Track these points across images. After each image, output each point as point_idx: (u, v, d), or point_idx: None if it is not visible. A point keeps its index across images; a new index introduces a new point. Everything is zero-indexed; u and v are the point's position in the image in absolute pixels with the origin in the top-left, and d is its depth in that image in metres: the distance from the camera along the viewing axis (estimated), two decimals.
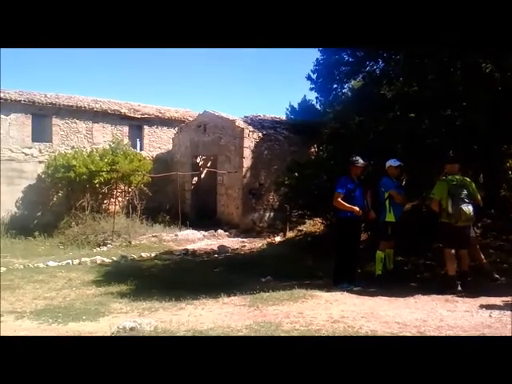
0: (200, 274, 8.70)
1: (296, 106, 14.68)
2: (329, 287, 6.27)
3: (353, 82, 8.79)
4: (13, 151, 14.66)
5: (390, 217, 6.52)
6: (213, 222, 14.64)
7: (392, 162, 6.61)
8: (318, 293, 5.78)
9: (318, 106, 11.18)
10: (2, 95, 14.88)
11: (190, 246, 12.09)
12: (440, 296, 5.59)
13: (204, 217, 15.15)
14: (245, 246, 11.98)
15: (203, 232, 13.68)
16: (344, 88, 8.86)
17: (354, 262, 6.61)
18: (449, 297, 5.55)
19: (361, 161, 6.47)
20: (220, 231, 13.85)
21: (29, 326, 5.59)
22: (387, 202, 6.52)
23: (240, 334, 4.09)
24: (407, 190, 7.07)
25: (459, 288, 5.75)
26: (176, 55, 54.03)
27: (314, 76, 9.00)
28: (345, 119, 8.68)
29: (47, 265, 9.61)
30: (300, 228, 12.15)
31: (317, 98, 9.78)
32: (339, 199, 6.35)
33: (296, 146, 14.46)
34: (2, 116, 14.96)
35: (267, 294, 5.86)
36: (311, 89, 9.26)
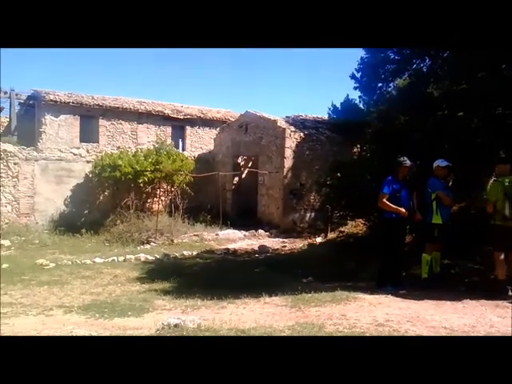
0: (241, 273, 8.74)
1: (338, 105, 14.49)
2: (372, 290, 6.15)
3: (398, 80, 8.58)
4: (62, 151, 15.21)
5: (437, 219, 6.31)
6: (253, 222, 14.67)
7: (440, 163, 6.40)
8: (361, 295, 5.67)
9: (361, 106, 11.01)
10: (51, 97, 15.46)
11: (231, 246, 12.17)
12: (490, 301, 5.37)
13: (245, 216, 15.21)
14: (285, 246, 11.94)
15: (244, 232, 13.74)
16: (389, 87, 8.67)
17: (398, 264, 6.44)
18: (499, 302, 5.31)
19: (408, 161, 6.31)
20: (260, 231, 13.87)
21: (77, 320, 5.78)
22: (434, 203, 6.32)
23: (282, 334, 4.07)
24: (455, 191, 6.82)
25: (510, 293, 5.51)
26: (218, 56, 54.63)
27: (358, 75, 8.87)
28: (389, 118, 8.48)
29: (94, 261, 9.91)
30: (341, 229, 11.99)
31: (360, 97, 9.64)
32: (384, 200, 6.20)
33: (338, 146, 14.26)
34: (52, 117, 15.55)
35: (309, 295, 5.81)
36: (355, 88, 9.13)
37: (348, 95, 14.00)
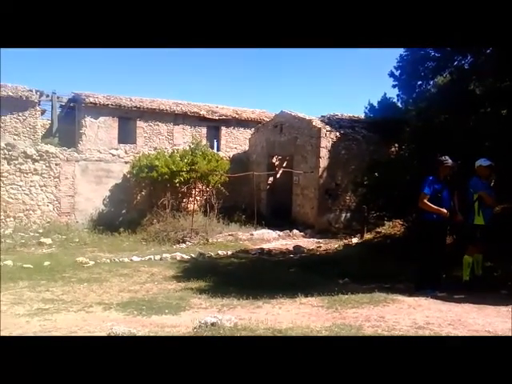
0: (276, 273, 8.71)
1: (375, 104, 14.25)
2: (411, 292, 5.99)
3: (438, 78, 8.35)
4: (101, 152, 15.61)
5: (479, 220, 6.11)
6: (288, 222, 14.62)
7: (482, 162, 6.19)
8: (399, 297, 5.54)
9: (399, 104, 10.78)
10: (91, 100, 15.90)
11: (266, 246, 12.16)
12: None
13: (279, 216, 15.17)
14: (320, 246, 11.84)
15: (278, 232, 13.71)
16: (429, 84, 8.45)
17: (439, 266, 6.26)
18: None
19: (450, 160, 6.12)
20: (295, 231, 13.80)
21: (115, 317, 5.89)
22: (476, 203, 6.12)
23: (320, 335, 4.02)
24: (497, 191, 6.57)
25: None
26: (252, 56, 54.77)
27: (397, 73, 8.69)
28: (429, 117, 8.26)
29: (131, 259, 10.10)
30: (378, 230, 11.78)
31: (398, 95, 9.44)
32: (425, 200, 6.04)
33: (375, 146, 14.03)
34: (92, 119, 15.98)
35: (346, 296, 5.72)
36: (394, 86, 8.95)
37: (385, 94, 13.77)
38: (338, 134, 14.48)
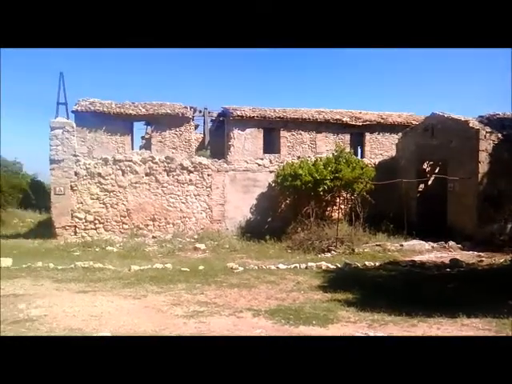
0: (431, 288, 8.00)
1: None
2: None
3: None
4: (248, 162, 16.27)
5: None
6: (442, 233, 13.44)
7: None
8: None
9: None
10: (238, 113, 16.72)
11: (417, 258, 11.33)
12: None
13: (432, 227, 14.01)
14: (482, 260, 10.63)
15: (431, 243, 12.77)
16: None
17: None
18: None
19: None
20: (451, 243, 12.70)
21: (264, 325, 5.94)
22: None
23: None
24: None
25: None
26: (396, 59, 52.58)
27: None
28: None
29: (277, 267, 10.22)
30: None
31: None
32: None
33: None
34: (239, 131, 16.79)
35: None
36: None
37: None
38: (499, 135, 12.97)
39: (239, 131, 16.84)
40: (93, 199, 13.92)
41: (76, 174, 13.76)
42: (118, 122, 16.83)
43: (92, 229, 13.87)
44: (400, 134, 17.43)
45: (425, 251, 12.21)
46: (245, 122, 16.84)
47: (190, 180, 14.93)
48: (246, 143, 16.87)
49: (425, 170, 16.13)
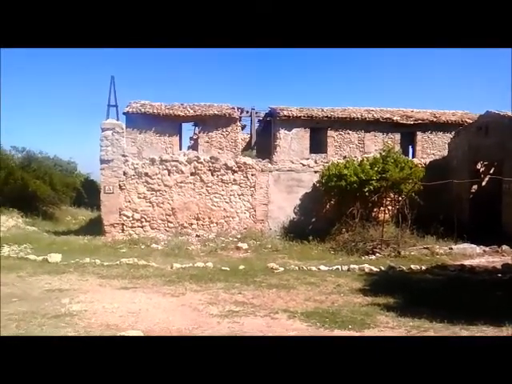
0: (479, 295, 7.59)
1: None
2: None
3: None
4: (293, 162, 16.14)
5: None
6: (496, 237, 12.73)
7: None
8: None
9: None
10: (285, 113, 16.69)
11: (467, 262, 10.80)
12: None
13: (484, 230, 13.31)
14: None
15: (483, 247, 12.17)
16: None
17: None
18: None
19: None
20: (505, 247, 12.06)
21: (298, 327, 5.85)
22: None
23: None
24: None
25: None
26: (453, 56, 50.56)
27: None
28: None
29: (319, 268, 10.05)
30: None
31: None
32: None
33: None
34: (285, 131, 16.74)
35: None
36: None
37: None
38: None
39: (285, 131, 16.80)
40: (140, 198, 14.29)
41: (124, 173, 14.18)
42: (167, 123, 17.25)
43: (138, 227, 14.24)
44: (453, 132, 16.73)
45: (476, 255, 11.64)
46: (291, 121, 16.80)
47: (234, 180, 15.00)
48: (292, 143, 16.81)
49: (478, 170, 15.38)
